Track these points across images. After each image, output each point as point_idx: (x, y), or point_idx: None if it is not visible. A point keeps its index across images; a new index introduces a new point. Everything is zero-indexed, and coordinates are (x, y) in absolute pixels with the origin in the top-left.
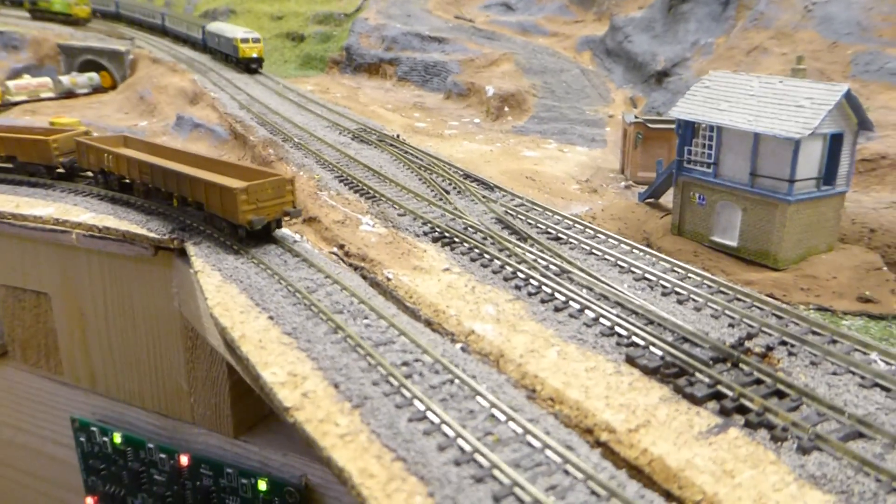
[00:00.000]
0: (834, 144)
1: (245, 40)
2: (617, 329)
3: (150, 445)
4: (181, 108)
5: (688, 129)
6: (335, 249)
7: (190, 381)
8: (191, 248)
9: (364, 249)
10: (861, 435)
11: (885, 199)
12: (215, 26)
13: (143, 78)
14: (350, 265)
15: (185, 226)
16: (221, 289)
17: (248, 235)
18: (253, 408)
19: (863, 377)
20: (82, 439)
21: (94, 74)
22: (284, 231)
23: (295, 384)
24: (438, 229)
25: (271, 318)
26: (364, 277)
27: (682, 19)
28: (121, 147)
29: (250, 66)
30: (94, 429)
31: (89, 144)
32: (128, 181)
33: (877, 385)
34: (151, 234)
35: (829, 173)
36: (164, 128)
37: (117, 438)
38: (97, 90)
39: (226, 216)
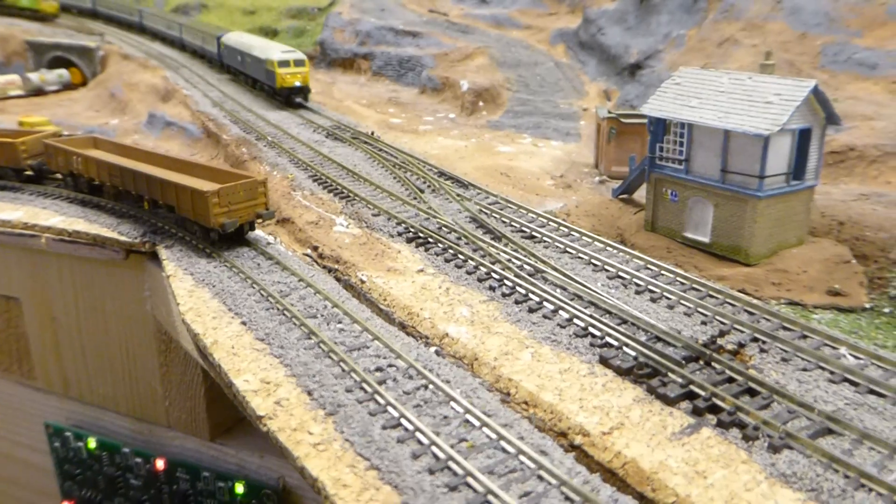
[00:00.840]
0: (802, 139)
1: (285, 63)
2: (591, 329)
3: (126, 450)
4: (153, 105)
5: (659, 126)
6: (309, 251)
7: (164, 385)
8: (163, 252)
9: (338, 251)
10: (830, 431)
11: (854, 191)
12: (237, 39)
13: (114, 75)
14: (324, 267)
15: (157, 229)
16: (193, 293)
17: (221, 238)
18: (229, 410)
19: (832, 372)
20: (56, 444)
21: (63, 71)
22: (258, 233)
23: (268, 392)
24: (413, 229)
25: (244, 323)
26: (338, 280)
27: (654, 11)
28: (90, 149)
29: (292, 99)
30: (68, 434)
31: (58, 147)
32: (98, 183)
33: (846, 380)
34: (122, 238)
35: (798, 168)
36: (135, 126)
37: (92, 443)
38: (67, 87)
39: (198, 219)
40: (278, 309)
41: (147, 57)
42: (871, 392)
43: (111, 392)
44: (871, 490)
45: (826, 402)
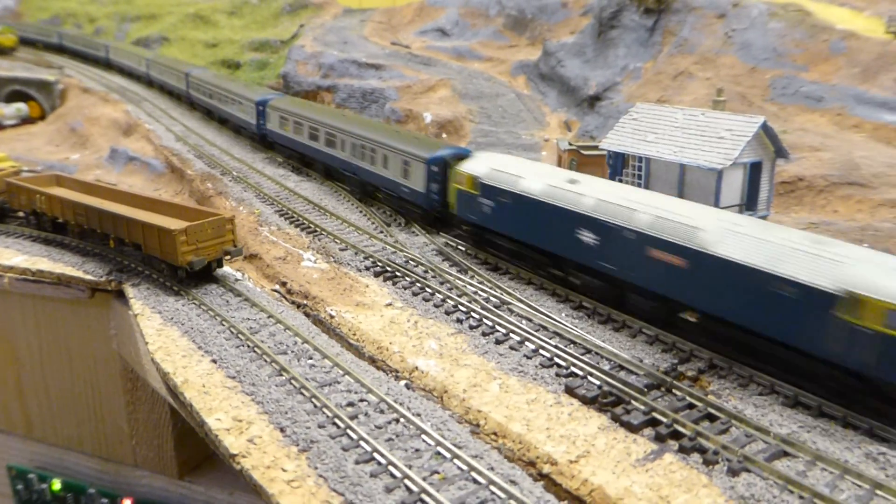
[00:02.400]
0: (754, 172)
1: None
2: (556, 360)
3: (91, 490)
4: (114, 139)
5: (618, 160)
6: (277, 287)
7: (131, 424)
8: (129, 290)
9: (306, 286)
10: (786, 454)
11: (804, 220)
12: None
13: (74, 108)
14: (293, 303)
15: (123, 267)
16: (162, 332)
17: (189, 276)
18: (198, 447)
19: (786, 396)
20: (19, 487)
21: (22, 105)
22: (226, 269)
23: (240, 430)
24: (380, 263)
25: (214, 361)
26: (307, 315)
27: (611, 45)
28: (53, 187)
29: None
30: (31, 476)
31: (20, 185)
32: (62, 222)
33: (798, 403)
34: (88, 277)
35: (750, 199)
36: (97, 161)
37: (56, 485)
38: (26, 121)
39: (165, 257)
40: (249, 346)
41: (108, 90)
42: (822, 415)
43: (76, 432)
44: None
45: (781, 425)
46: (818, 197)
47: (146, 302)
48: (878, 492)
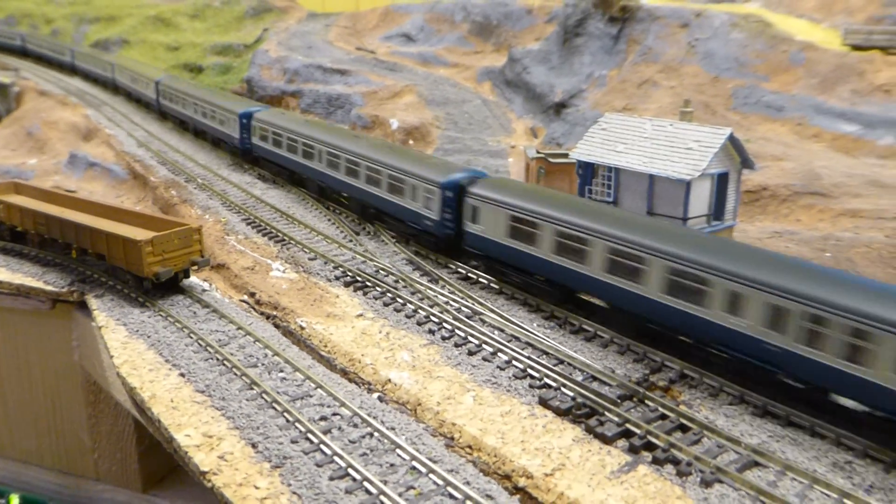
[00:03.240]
0: (721, 183)
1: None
2: (529, 371)
3: None
4: (74, 144)
5: (588, 170)
6: (246, 298)
7: (93, 437)
8: (92, 302)
9: (276, 297)
10: (757, 464)
11: (769, 229)
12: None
13: (31, 112)
14: (262, 314)
15: (86, 277)
16: (128, 345)
17: (155, 287)
18: (162, 460)
19: (756, 406)
20: None
21: None
22: (192, 280)
23: (211, 446)
24: (350, 273)
25: (182, 375)
26: (277, 327)
27: (576, 52)
28: (11, 195)
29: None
30: None
31: None
32: (21, 231)
33: (768, 413)
34: (48, 287)
35: (718, 209)
36: (55, 166)
37: (15, 500)
38: None
39: (130, 268)
40: (218, 359)
41: (66, 94)
42: (790, 424)
43: (35, 446)
44: None
45: (752, 435)
46: (782, 206)
47: (110, 314)
48: (846, 501)
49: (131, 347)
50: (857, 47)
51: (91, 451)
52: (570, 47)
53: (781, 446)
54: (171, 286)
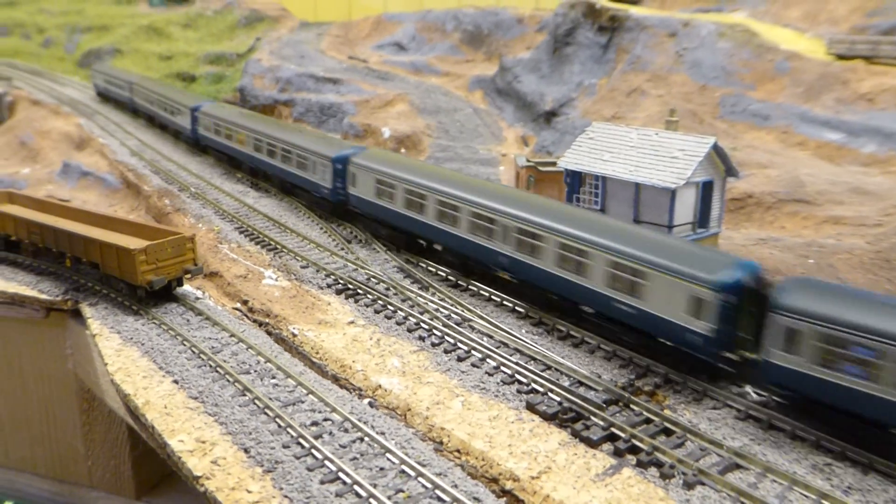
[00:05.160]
0: (706, 191)
1: None
2: (517, 377)
3: None
4: (67, 154)
5: (575, 178)
6: (238, 305)
7: (86, 444)
8: (86, 310)
9: (268, 304)
10: (738, 466)
11: (754, 236)
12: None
13: (23, 121)
14: (254, 321)
15: (80, 286)
16: (122, 352)
17: (148, 295)
18: (156, 467)
19: (738, 410)
20: None
21: None
22: (186, 288)
23: (204, 451)
24: (342, 281)
25: (176, 381)
26: (269, 334)
27: (566, 61)
28: (5, 204)
29: None
30: None
31: None
32: (15, 240)
33: (750, 417)
34: (43, 296)
35: (703, 217)
36: (48, 175)
37: None
38: None
39: (124, 277)
40: (211, 366)
41: (59, 103)
42: (772, 427)
43: (29, 453)
44: None
45: (734, 438)
46: (766, 213)
47: (104, 322)
48: (824, 502)
49: (125, 355)
50: (841, 56)
51: (85, 458)
52: (561, 56)
53: (763, 449)
54: (165, 294)
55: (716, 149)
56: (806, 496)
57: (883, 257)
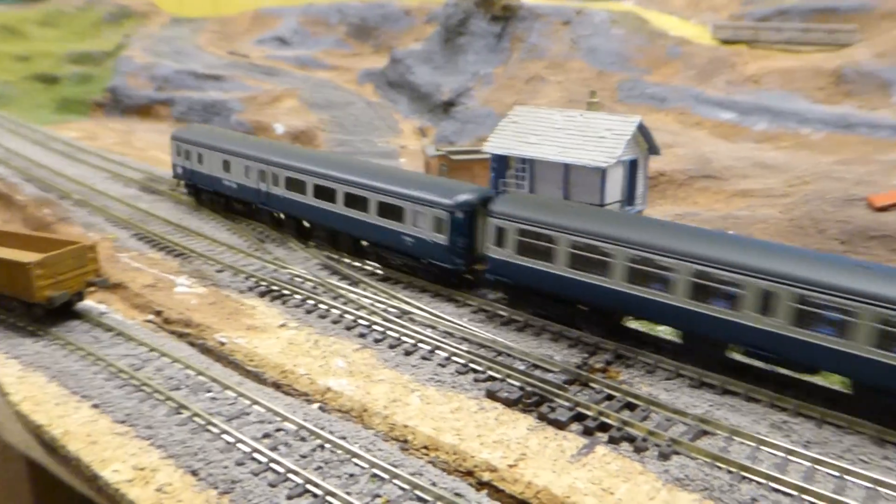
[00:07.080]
0: (632, 169)
1: None
2: (471, 365)
3: None
4: None
5: (501, 162)
6: (151, 317)
7: None
8: None
9: (186, 313)
10: (705, 433)
11: (671, 212)
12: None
13: None
14: (173, 333)
15: None
16: (24, 379)
17: (47, 313)
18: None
19: (691, 378)
20: None
21: None
22: (86, 303)
23: (145, 479)
24: (264, 282)
25: (96, 406)
26: (192, 345)
27: (460, 51)
28: None
29: None
30: None
31: None
32: None
33: (704, 384)
34: None
35: (629, 195)
36: None
37: None
38: None
39: (17, 294)
40: (134, 385)
41: None
42: (727, 392)
43: None
44: (751, 480)
45: (695, 406)
46: (679, 190)
47: None
48: (790, 457)
49: (29, 382)
50: (726, 41)
51: None
52: (454, 46)
53: (724, 413)
54: (64, 312)
55: (640, 128)
56: (774, 454)
57: (796, 224)
